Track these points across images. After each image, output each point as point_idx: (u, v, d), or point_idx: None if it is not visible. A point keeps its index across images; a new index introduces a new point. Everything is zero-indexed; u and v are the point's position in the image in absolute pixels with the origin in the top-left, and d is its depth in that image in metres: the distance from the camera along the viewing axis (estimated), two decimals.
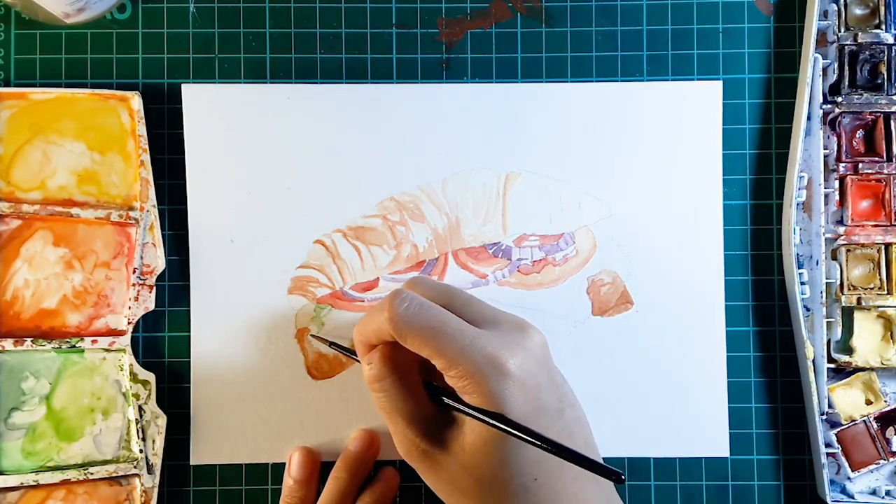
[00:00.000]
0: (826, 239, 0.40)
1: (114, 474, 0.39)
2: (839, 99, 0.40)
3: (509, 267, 0.41)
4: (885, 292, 0.39)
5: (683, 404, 0.41)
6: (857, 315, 0.40)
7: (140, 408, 0.39)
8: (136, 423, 0.39)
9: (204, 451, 0.40)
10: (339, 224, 0.41)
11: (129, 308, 0.39)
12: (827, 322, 0.40)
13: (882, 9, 0.39)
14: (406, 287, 0.36)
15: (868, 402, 0.40)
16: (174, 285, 0.41)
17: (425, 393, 0.34)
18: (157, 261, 0.40)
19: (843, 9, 0.40)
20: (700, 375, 0.41)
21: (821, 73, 0.40)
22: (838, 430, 0.39)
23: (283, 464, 0.40)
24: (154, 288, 0.40)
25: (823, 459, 0.39)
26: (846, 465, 0.39)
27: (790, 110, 0.41)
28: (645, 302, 0.41)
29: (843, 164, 0.40)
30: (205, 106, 0.40)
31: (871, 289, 0.39)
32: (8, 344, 0.39)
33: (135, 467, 0.39)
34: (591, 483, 0.33)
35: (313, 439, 0.40)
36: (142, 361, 0.40)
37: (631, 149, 0.41)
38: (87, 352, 0.40)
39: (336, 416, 0.40)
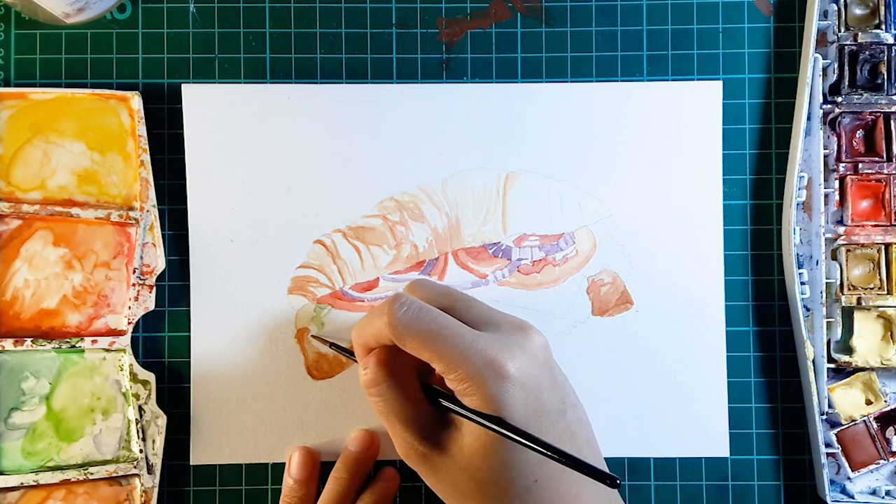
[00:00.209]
0: (826, 239, 0.40)
1: (114, 474, 0.39)
2: (839, 99, 0.40)
3: (509, 267, 0.41)
4: (885, 292, 0.39)
5: (683, 404, 0.41)
6: (857, 315, 0.40)
7: (140, 408, 0.39)
8: (136, 423, 0.39)
9: (204, 451, 0.40)
10: (339, 224, 0.41)
11: (129, 308, 0.39)
12: (827, 322, 0.40)
13: (882, 9, 0.39)
14: (408, 290, 0.36)
15: (868, 402, 0.40)
16: (174, 285, 0.41)
17: (423, 396, 0.34)
18: (157, 261, 0.40)
19: (843, 9, 0.40)
20: (700, 375, 0.41)
21: (821, 73, 0.40)
22: (838, 430, 0.39)
23: (283, 464, 0.40)
24: (154, 288, 0.40)
25: (823, 459, 0.39)
26: (846, 465, 0.39)
27: (790, 110, 0.41)
28: (645, 302, 0.41)
29: (843, 164, 0.40)
30: (205, 106, 0.40)
31: (871, 289, 0.39)
32: (8, 344, 0.39)
33: (135, 467, 0.39)
34: (592, 485, 0.33)
35: (313, 439, 0.40)
36: (142, 361, 0.40)
37: (631, 149, 0.41)
38: (87, 352, 0.40)
39: (336, 416, 0.40)
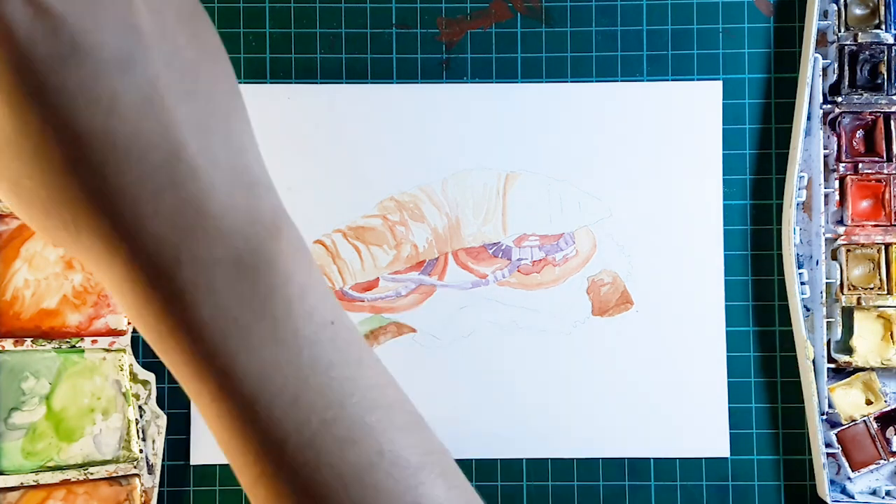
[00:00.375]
0: (826, 239, 0.40)
1: (114, 474, 0.39)
2: (839, 99, 0.40)
3: (509, 267, 0.41)
4: (885, 292, 0.39)
5: (683, 404, 0.40)
6: (857, 315, 0.40)
7: (140, 408, 0.39)
8: (136, 423, 0.39)
9: (204, 451, 0.40)
10: (339, 224, 0.41)
11: None
12: (827, 322, 0.40)
13: (882, 9, 0.39)
14: None
15: (868, 402, 0.40)
16: None
17: None
18: None
19: (843, 9, 0.40)
20: (700, 375, 0.41)
21: (821, 73, 0.40)
22: (838, 430, 0.39)
23: None
24: None
25: (823, 459, 0.39)
26: (846, 465, 0.39)
27: (790, 110, 0.41)
28: (645, 302, 0.41)
29: (843, 164, 0.40)
30: None
31: (871, 289, 0.39)
32: (8, 344, 0.39)
33: (135, 467, 0.39)
34: None
35: None
36: (142, 361, 0.40)
37: (631, 149, 0.41)
38: (87, 352, 0.40)
39: None
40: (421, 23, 0.41)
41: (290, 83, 0.41)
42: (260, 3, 0.41)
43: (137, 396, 0.39)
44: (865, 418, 0.39)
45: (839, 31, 0.40)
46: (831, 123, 0.40)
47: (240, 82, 0.41)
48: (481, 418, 0.40)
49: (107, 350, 0.39)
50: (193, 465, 0.40)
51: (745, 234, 0.41)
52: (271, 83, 0.41)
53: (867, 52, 0.39)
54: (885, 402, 0.39)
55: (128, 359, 0.39)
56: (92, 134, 0.19)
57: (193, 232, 0.21)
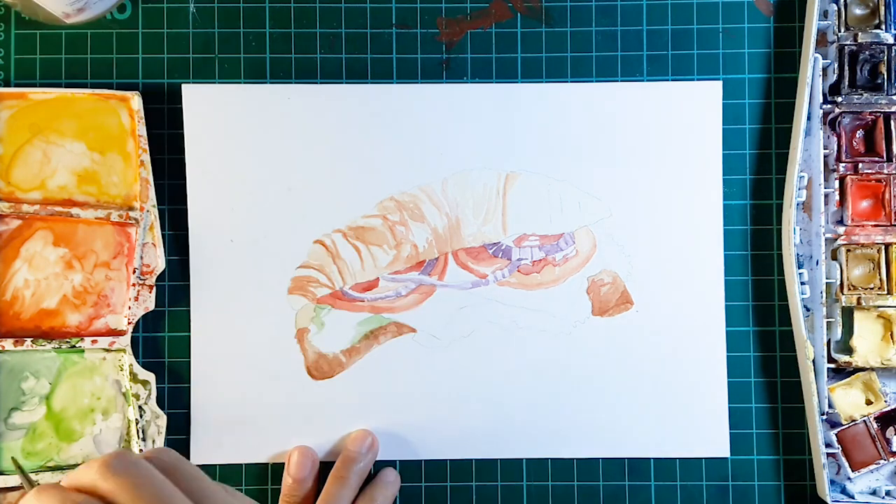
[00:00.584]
0: (826, 239, 0.40)
1: None
2: (839, 99, 0.40)
3: (509, 267, 0.41)
4: (885, 292, 0.39)
5: (683, 404, 0.41)
6: (857, 315, 0.40)
7: (140, 408, 0.39)
8: (136, 423, 0.39)
9: (204, 451, 0.40)
10: (339, 224, 0.41)
11: (129, 308, 0.39)
12: (827, 322, 0.40)
13: (882, 9, 0.39)
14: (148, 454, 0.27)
15: (868, 402, 0.40)
16: (174, 285, 0.41)
17: None
18: (157, 261, 0.40)
19: (843, 9, 0.40)
20: (700, 375, 0.41)
21: (821, 73, 0.40)
22: (838, 430, 0.39)
23: (283, 463, 0.40)
24: (154, 288, 0.40)
25: (823, 459, 0.39)
26: (846, 465, 0.39)
27: (790, 110, 0.41)
28: (645, 302, 0.41)
29: (843, 164, 0.40)
30: (205, 106, 0.40)
31: (871, 289, 0.39)
32: (8, 344, 0.39)
33: None
34: None
35: (313, 439, 0.40)
36: (142, 361, 0.40)
37: (631, 149, 0.41)
38: (87, 352, 0.40)
39: (336, 416, 0.40)
40: (421, 23, 0.41)
41: (290, 83, 0.41)
42: (260, 3, 0.41)
43: (137, 396, 0.39)
44: (865, 418, 0.39)
45: (839, 31, 0.40)
46: (831, 123, 0.40)
47: (240, 82, 0.41)
48: (481, 418, 0.40)
49: (107, 350, 0.40)
50: None
51: (745, 234, 0.41)
52: (271, 83, 0.41)
53: (867, 52, 0.39)
54: (885, 402, 0.39)
55: (128, 359, 0.39)
56: None
57: None
